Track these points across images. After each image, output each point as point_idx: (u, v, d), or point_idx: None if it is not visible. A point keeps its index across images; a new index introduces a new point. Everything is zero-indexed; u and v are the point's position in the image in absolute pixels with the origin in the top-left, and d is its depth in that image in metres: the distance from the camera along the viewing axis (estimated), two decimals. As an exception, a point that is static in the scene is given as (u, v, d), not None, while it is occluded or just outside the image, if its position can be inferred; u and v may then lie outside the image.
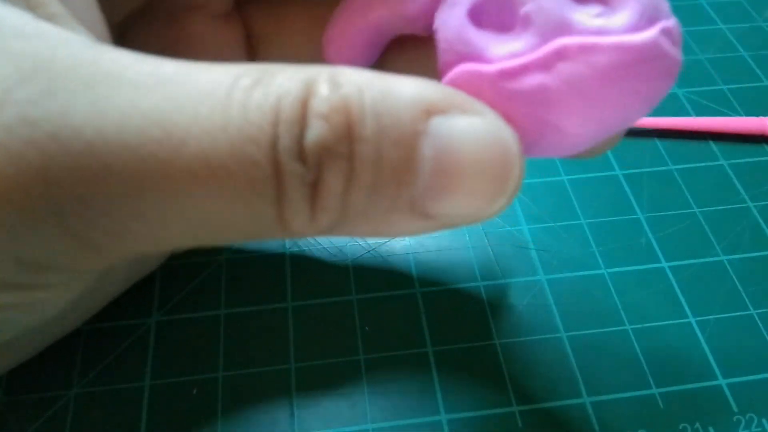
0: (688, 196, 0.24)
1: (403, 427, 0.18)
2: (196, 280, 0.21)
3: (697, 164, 0.25)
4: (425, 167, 0.11)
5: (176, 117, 0.09)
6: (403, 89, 0.11)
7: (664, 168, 0.25)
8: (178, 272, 0.20)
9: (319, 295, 0.21)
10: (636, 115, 0.13)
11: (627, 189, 0.24)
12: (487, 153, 0.11)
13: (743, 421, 0.18)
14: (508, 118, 0.12)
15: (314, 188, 0.10)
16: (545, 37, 0.12)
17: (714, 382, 0.19)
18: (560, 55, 0.12)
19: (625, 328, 0.20)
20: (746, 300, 0.21)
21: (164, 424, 0.18)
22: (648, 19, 0.12)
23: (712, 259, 0.22)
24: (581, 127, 0.12)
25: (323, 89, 0.10)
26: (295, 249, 0.22)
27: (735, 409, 0.19)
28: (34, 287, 0.11)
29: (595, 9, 0.12)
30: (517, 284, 0.21)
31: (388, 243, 0.22)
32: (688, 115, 0.27)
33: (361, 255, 0.22)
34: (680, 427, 0.18)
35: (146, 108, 0.09)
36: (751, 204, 0.24)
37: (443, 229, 0.12)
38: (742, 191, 0.24)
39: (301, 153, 0.10)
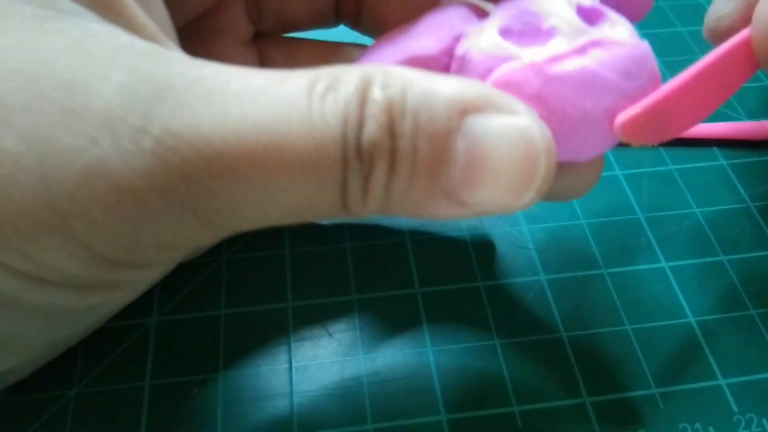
0: (688, 196, 0.24)
1: (403, 427, 0.18)
2: (196, 280, 0.21)
3: (697, 164, 0.25)
4: (458, 160, 0.12)
5: (276, 125, 0.12)
6: (443, 89, 0.12)
7: (664, 168, 0.25)
8: (178, 272, 0.20)
9: (319, 295, 0.21)
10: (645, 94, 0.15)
11: (627, 189, 0.24)
12: (514, 150, 0.13)
13: (743, 421, 0.18)
14: (552, 104, 0.14)
15: (366, 179, 0.12)
16: (573, 38, 0.15)
17: (714, 382, 0.19)
18: (594, 44, 0.14)
19: (625, 328, 0.20)
20: (746, 300, 0.21)
21: (164, 424, 0.18)
22: (634, 36, 0.15)
23: (712, 259, 0.22)
24: (614, 103, 0.14)
25: (376, 92, 0.12)
26: (295, 249, 0.22)
27: (735, 409, 0.19)
28: (156, 264, 0.14)
29: (600, 27, 0.15)
30: (517, 284, 0.21)
31: (388, 243, 0.22)
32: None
33: (361, 255, 0.22)
34: (680, 427, 0.18)
35: (254, 119, 0.12)
36: (751, 204, 0.24)
37: (478, 216, 0.14)
38: (742, 191, 0.24)
39: (359, 150, 0.12)
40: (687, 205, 0.24)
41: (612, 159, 0.25)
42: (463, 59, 0.16)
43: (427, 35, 0.16)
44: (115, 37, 0.12)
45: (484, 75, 0.15)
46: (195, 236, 0.13)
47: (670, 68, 0.29)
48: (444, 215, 0.14)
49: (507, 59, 0.15)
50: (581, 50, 0.14)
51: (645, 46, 0.15)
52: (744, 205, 0.24)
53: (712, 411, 0.19)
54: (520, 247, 0.22)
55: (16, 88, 0.11)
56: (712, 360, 0.20)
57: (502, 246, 0.22)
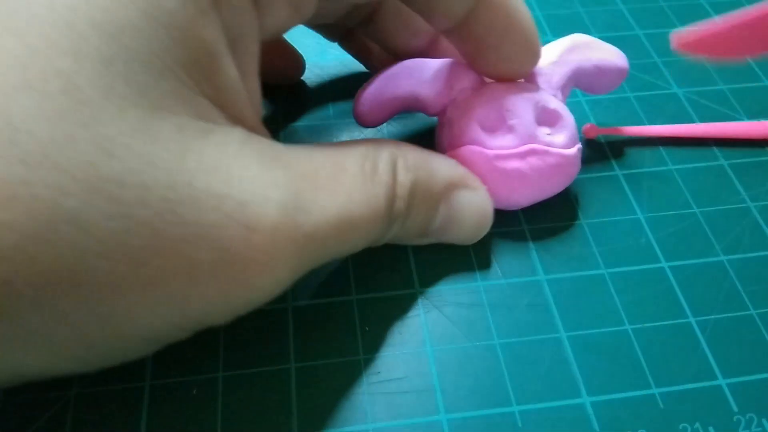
0: (688, 196, 0.24)
1: (403, 427, 0.18)
2: (196, 280, 0.21)
3: (697, 164, 0.25)
4: (439, 218, 0.20)
5: (353, 213, 0.17)
6: (440, 171, 0.20)
7: (664, 168, 0.25)
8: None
9: (319, 295, 0.21)
10: (553, 191, 0.23)
11: (627, 189, 0.24)
12: (479, 215, 0.21)
13: (743, 421, 0.18)
14: (492, 183, 0.21)
15: (389, 228, 0.19)
16: (523, 140, 0.21)
17: (714, 382, 0.19)
18: (531, 152, 0.21)
19: (625, 328, 0.20)
20: (746, 300, 0.21)
21: (164, 424, 0.18)
22: (572, 141, 0.22)
23: (712, 259, 0.22)
24: (531, 195, 0.22)
25: (400, 178, 0.18)
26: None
27: (735, 409, 0.19)
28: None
29: (547, 129, 0.22)
30: (517, 284, 0.21)
31: (387, 244, 0.22)
32: (687, 114, 0.27)
33: (361, 255, 0.22)
34: (680, 427, 0.18)
35: (342, 210, 0.17)
36: (751, 204, 0.24)
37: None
38: (742, 191, 0.24)
39: (390, 216, 0.18)
40: (687, 205, 0.24)
41: (612, 159, 0.25)
42: (449, 123, 0.22)
43: (434, 90, 0.22)
44: (251, 146, 0.16)
45: (453, 144, 0.22)
46: (295, 275, 0.17)
47: (670, 68, 0.29)
48: (423, 243, 0.22)
49: (473, 142, 0.21)
50: (522, 155, 0.21)
51: (572, 153, 0.22)
52: (744, 205, 0.24)
53: (712, 411, 0.19)
54: (520, 247, 0.22)
55: (206, 208, 0.14)
56: (712, 360, 0.20)
57: (501, 246, 0.22)
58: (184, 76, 0.14)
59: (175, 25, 0.14)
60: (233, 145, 0.15)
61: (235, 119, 0.16)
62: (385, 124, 0.26)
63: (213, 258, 0.14)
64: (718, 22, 0.21)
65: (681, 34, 0.22)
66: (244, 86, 0.17)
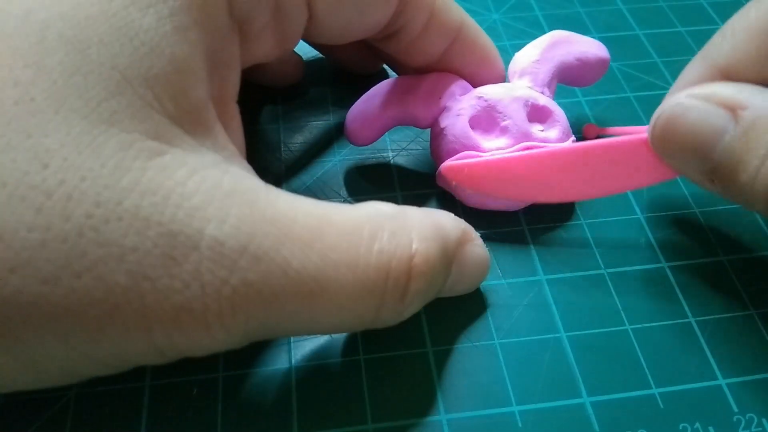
0: (688, 197, 0.24)
1: (403, 427, 0.18)
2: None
3: (697, 164, 0.25)
4: (452, 279, 0.19)
5: (328, 275, 0.15)
6: (451, 232, 0.18)
7: (664, 168, 0.25)
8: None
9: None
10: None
11: (627, 189, 0.24)
12: (482, 266, 0.20)
13: (743, 421, 0.18)
14: (492, 185, 0.22)
15: (402, 307, 0.16)
16: (517, 139, 0.22)
17: (714, 382, 0.19)
18: (527, 150, 0.21)
19: (625, 328, 0.20)
20: (746, 300, 0.21)
21: (164, 424, 0.18)
22: (566, 135, 0.22)
23: (712, 259, 0.22)
24: (528, 194, 0.22)
25: (419, 256, 0.16)
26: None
27: (735, 409, 0.19)
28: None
29: (540, 126, 0.22)
30: (517, 284, 0.21)
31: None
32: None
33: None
34: (680, 427, 0.18)
35: (312, 267, 0.15)
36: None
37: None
38: (742, 191, 0.24)
39: (402, 298, 0.16)
40: (687, 206, 0.24)
41: (612, 159, 0.25)
42: (442, 132, 0.22)
43: (423, 101, 0.23)
44: (209, 175, 0.14)
45: (450, 152, 0.22)
46: (235, 347, 0.15)
47: (670, 68, 0.29)
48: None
49: (468, 147, 0.22)
50: (516, 152, 0.21)
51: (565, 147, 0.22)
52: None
53: (712, 411, 0.19)
54: (520, 247, 0.22)
55: (129, 230, 0.13)
56: (712, 360, 0.20)
57: (502, 246, 0.22)
58: (147, 92, 0.14)
59: (145, 40, 0.14)
60: (182, 170, 0.14)
61: (204, 143, 0.15)
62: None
63: (129, 285, 0.13)
64: (479, 159, 0.21)
65: (448, 166, 0.22)
66: (222, 112, 0.17)
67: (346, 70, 0.28)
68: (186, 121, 0.15)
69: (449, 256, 0.18)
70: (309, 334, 0.17)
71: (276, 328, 0.15)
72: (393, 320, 0.17)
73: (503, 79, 0.25)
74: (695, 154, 0.18)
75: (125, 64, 0.14)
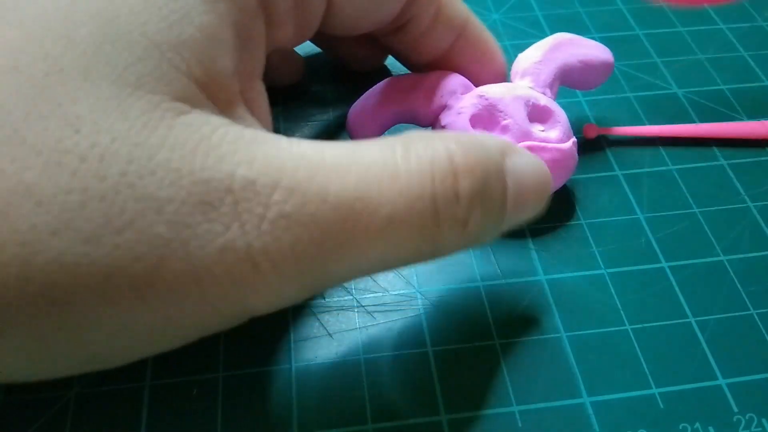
0: (688, 196, 0.24)
1: (403, 427, 0.18)
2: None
3: (697, 164, 0.25)
4: (511, 194, 0.16)
5: (370, 192, 0.14)
6: (490, 142, 0.16)
7: (664, 168, 0.25)
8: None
9: (319, 295, 0.21)
10: (554, 187, 0.21)
11: (627, 189, 0.24)
12: (540, 174, 0.17)
13: (743, 421, 0.18)
14: None
15: (464, 224, 0.15)
16: (517, 138, 0.22)
17: (714, 382, 0.19)
18: (527, 149, 0.19)
19: (625, 328, 0.20)
20: (746, 300, 0.21)
21: (164, 424, 0.18)
22: (567, 135, 0.22)
23: (712, 259, 0.22)
24: None
25: (459, 153, 0.15)
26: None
27: (735, 409, 0.19)
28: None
29: (540, 126, 0.22)
30: (517, 284, 0.21)
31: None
32: (687, 114, 0.27)
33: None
34: (680, 427, 0.18)
35: (352, 188, 0.14)
36: (751, 204, 0.24)
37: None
38: (742, 191, 0.24)
39: (457, 201, 0.15)
40: (687, 205, 0.24)
41: (612, 159, 0.25)
42: (443, 130, 0.22)
43: (424, 98, 0.23)
44: (231, 129, 0.15)
45: None
46: (296, 298, 0.15)
47: (670, 68, 0.29)
48: (496, 237, 0.17)
49: None
50: None
51: (567, 147, 0.22)
52: (744, 205, 0.24)
53: (712, 411, 0.19)
54: (520, 247, 0.22)
55: (163, 182, 0.13)
56: (712, 360, 0.20)
57: (502, 246, 0.22)
58: (174, 56, 0.14)
59: (174, 9, 0.15)
60: (207, 127, 0.14)
61: (226, 112, 0.16)
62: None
63: (171, 236, 0.13)
64: None
65: None
66: (248, 87, 0.17)
67: (347, 67, 0.29)
68: (211, 88, 0.15)
69: (495, 162, 0.16)
70: (370, 270, 0.16)
71: (332, 269, 0.15)
72: (460, 239, 0.16)
73: (505, 75, 0.25)
74: None
75: (154, 31, 0.14)
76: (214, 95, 0.15)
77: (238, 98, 0.16)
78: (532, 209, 0.18)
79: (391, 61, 0.29)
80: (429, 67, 0.25)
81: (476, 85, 0.23)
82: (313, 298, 0.21)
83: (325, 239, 0.14)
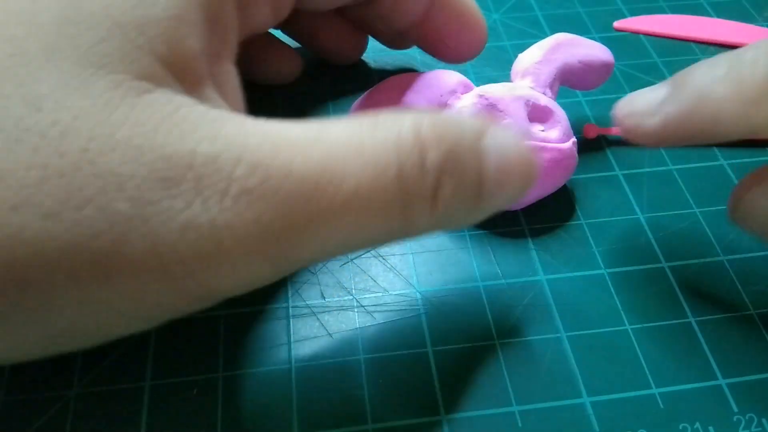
0: (688, 196, 0.24)
1: (403, 427, 0.18)
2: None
3: (697, 164, 0.25)
4: (490, 172, 0.16)
5: (334, 166, 0.14)
6: (465, 120, 0.16)
7: (664, 168, 0.25)
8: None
9: (319, 295, 0.21)
10: (554, 187, 0.23)
11: (627, 189, 0.24)
12: (523, 154, 0.16)
13: (743, 421, 0.18)
14: None
15: (433, 199, 0.15)
16: None
17: (714, 382, 0.19)
18: None
19: (625, 328, 0.20)
20: (746, 300, 0.21)
21: (164, 424, 0.18)
22: (567, 135, 0.22)
23: (712, 259, 0.22)
24: (531, 192, 0.21)
25: (425, 125, 0.15)
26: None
27: (735, 409, 0.19)
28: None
29: (540, 126, 0.22)
30: (517, 284, 0.21)
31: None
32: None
33: (361, 255, 0.22)
34: (680, 427, 0.18)
35: (315, 162, 0.14)
36: (751, 204, 0.24)
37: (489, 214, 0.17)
38: (742, 191, 0.24)
39: (423, 174, 0.14)
40: (687, 205, 0.24)
41: (612, 159, 0.25)
42: None
43: (424, 97, 0.23)
44: (196, 108, 0.14)
45: None
46: (266, 277, 0.15)
47: (670, 68, 0.29)
48: (471, 220, 0.17)
49: None
50: None
51: (567, 147, 0.22)
52: (744, 205, 0.24)
53: (712, 411, 0.19)
54: (520, 247, 0.22)
55: (124, 158, 0.13)
56: (712, 360, 0.20)
57: (502, 246, 0.22)
58: (138, 36, 0.14)
59: None
60: (169, 105, 0.14)
61: (192, 92, 0.15)
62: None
63: (132, 213, 0.13)
64: None
65: None
66: (218, 70, 0.17)
67: (327, 60, 0.29)
68: (178, 68, 0.15)
69: (468, 137, 0.15)
70: (341, 249, 0.15)
71: (301, 246, 0.14)
72: (430, 214, 0.15)
73: (484, 43, 0.25)
74: None
75: (118, 12, 0.14)
76: (180, 75, 0.15)
77: (206, 79, 0.16)
78: (515, 192, 0.17)
79: (373, 56, 0.29)
80: (407, 37, 0.25)
81: (457, 56, 0.24)
82: (313, 299, 0.21)
83: (289, 215, 0.14)
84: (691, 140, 0.18)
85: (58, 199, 0.13)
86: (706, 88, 0.17)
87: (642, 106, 0.19)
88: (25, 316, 0.13)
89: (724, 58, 0.17)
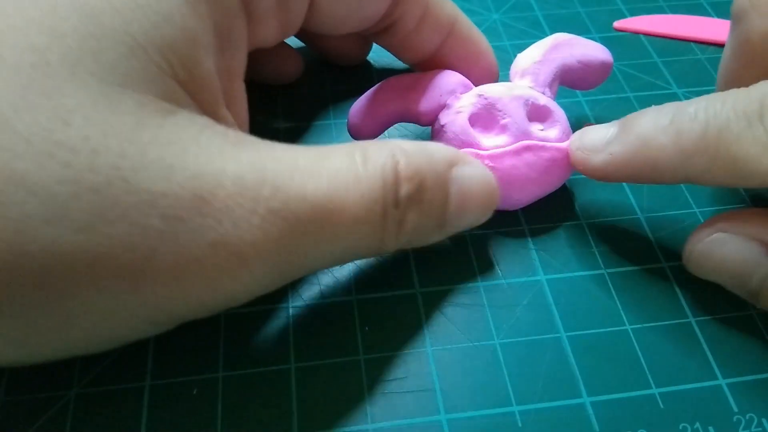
0: (688, 196, 0.24)
1: (403, 427, 0.18)
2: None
3: (697, 164, 0.25)
4: (453, 200, 0.18)
5: (339, 195, 0.16)
6: (437, 152, 0.18)
7: (664, 168, 0.25)
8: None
9: (319, 295, 0.21)
10: (554, 186, 0.23)
11: (627, 189, 0.24)
12: (483, 186, 0.19)
13: (743, 421, 0.18)
14: None
15: (400, 224, 0.17)
16: (516, 137, 0.22)
17: (714, 382, 0.19)
18: (526, 149, 0.22)
19: (625, 328, 0.20)
20: (746, 300, 0.21)
21: (164, 424, 0.18)
22: (566, 134, 0.22)
23: (712, 259, 0.22)
24: (530, 192, 0.22)
25: (402, 162, 0.17)
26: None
27: (735, 409, 0.19)
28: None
29: (540, 126, 0.23)
30: (517, 284, 0.21)
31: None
32: (688, 115, 0.27)
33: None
34: (680, 427, 0.18)
35: (324, 189, 0.16)
36: (750, 204, 0.24)
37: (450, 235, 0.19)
38: (741, 191, 0.24)
39: (397, 203, 0.17)
40: (687, 205, 0.24)
41: (612, 159, 0.25)
42: (442, 128, 0.23)
43: (424, 97, 0.23)
44: (217, 129, 0.15)
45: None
46: (270, 287, 0.16)
47: (670, 68, 0.29)
48: (433, 240, 0.19)
49: (467, 144, 0.22)
50: (516, 152, 0.21)
51: (566, 147, 0.22)
52: (744, 206, 0.24)
53: (712, 411, 0.19)
54: (520, 247, 0.22)
55: (157, 177, 0.14)
56: (712, 360, 0.20)
57: (501, 246, 0.22)
58: (159, 58, 0.15)
59: (157, 10, 0.15)
60: (194, 127, 0.15)
61: (208, 112, 0.16)
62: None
63: (163, 228, 0.14)
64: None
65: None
66: (229, 87, 0.18)
67: (330, 61, 0.29)
68: (194, 89, 0.16)
69: (437, 170, 0.18)
70: (333, 262, 0.17)
71: (304, 260, 0.16)
72: (396, 238, 0.17)
73: (496, 75, 0.25)
74: (732, 280, 0.19)
75: (138, 31, 0.15)
76: (196, 96, 0.16)
77: (219, 98, 0.17)
78: (476, 217, 0.19)
79: (373, 56, 0.29)
80: (419, 66, 0.25)
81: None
82: (313, 299, 0.21)
83: (303, 233, 0.15)
84: (633, 180, 0.20)
85: (91, 213, 0.13)
86: (649, 134, 0.18)
87: (591, 143, 0.20)
88: (53, 323, 0.14)
89: (670, 107, 0.18)
